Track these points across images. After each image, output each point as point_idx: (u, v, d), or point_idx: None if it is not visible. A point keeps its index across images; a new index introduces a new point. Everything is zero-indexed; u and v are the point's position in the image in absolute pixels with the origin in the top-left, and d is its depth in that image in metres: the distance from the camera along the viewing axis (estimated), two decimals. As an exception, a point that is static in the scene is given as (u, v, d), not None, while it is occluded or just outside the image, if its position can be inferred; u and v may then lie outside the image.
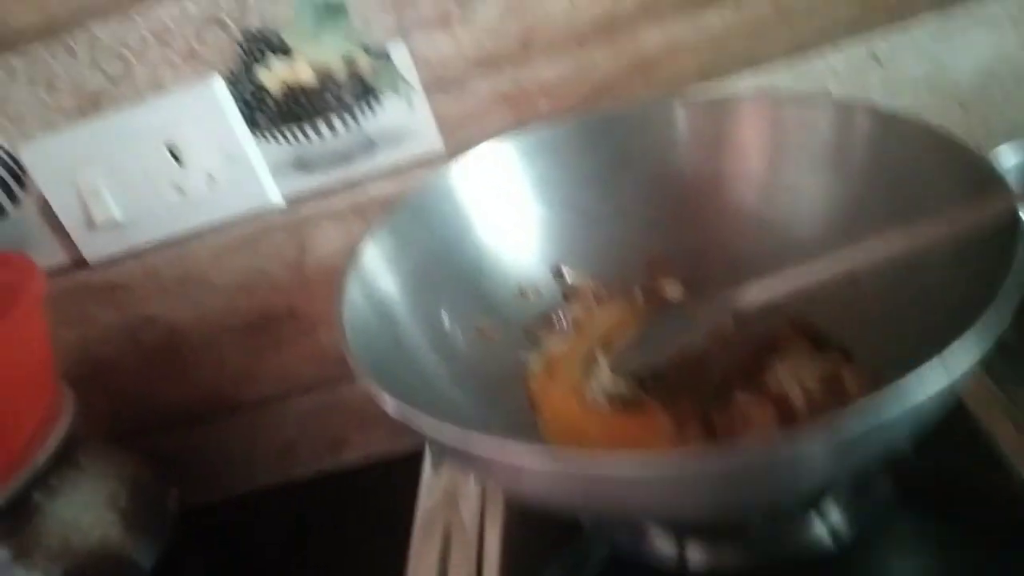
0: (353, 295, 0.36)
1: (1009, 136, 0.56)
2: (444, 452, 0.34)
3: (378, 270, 0.40)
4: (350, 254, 0.39)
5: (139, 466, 0.58)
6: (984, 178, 0.33)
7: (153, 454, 0.60)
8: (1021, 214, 0.30)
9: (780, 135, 0.43)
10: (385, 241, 0.41)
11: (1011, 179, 0.33)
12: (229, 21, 0.52)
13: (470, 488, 0.45)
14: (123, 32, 0.52)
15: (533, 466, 0.27)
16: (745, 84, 0.54)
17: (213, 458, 0.67)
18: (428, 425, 0.29)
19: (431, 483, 0.47)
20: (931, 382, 0.26)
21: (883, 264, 0.35)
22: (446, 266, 0.43)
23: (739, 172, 0.44)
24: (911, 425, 0.28)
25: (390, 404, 0.30)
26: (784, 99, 0.44)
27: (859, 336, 0.38)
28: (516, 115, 0.55)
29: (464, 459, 0.32)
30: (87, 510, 0.52)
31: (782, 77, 0.54)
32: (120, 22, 0.51)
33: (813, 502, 0.36)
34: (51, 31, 0.52)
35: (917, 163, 0.38)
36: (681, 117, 0.46)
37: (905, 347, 0.30)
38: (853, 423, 0.25)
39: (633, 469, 0.26)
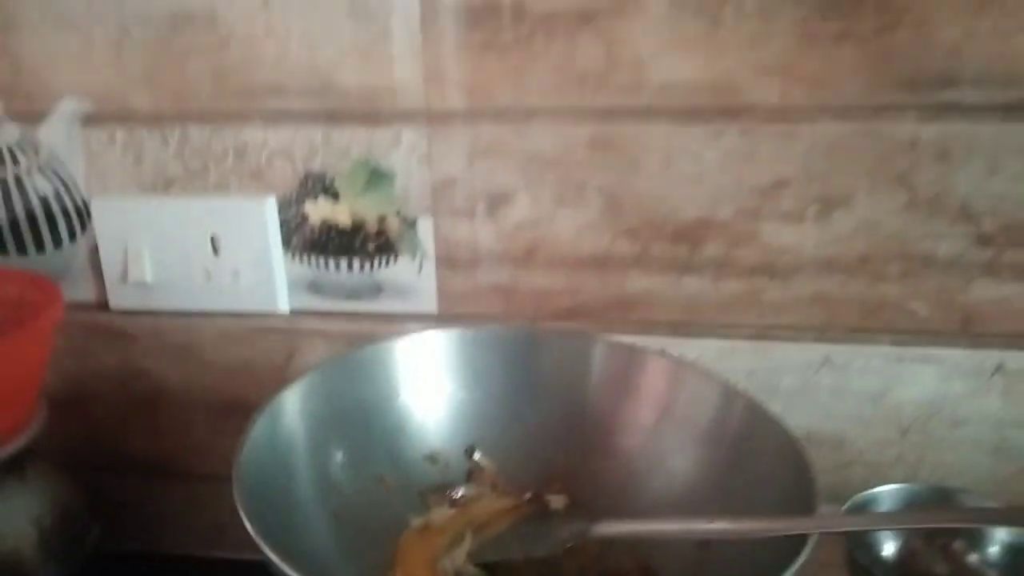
0: (262, 431, 0.45)
1: (935, 471, 0.62)
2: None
3: (295, 412, 0.48)
4: (270, 399, 0.47)
5: (74, 496, 0.65)
6: (808, 495, 0.41)
7: (100, 490, 0.67)
8: (811, 541, 0.37)
9: (673, 396, 0.51)
10: (311, 388, 0.49)
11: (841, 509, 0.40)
12: (298, 159, 0.63)
13: None
14: (211, 140, 0.63)
15: None
16: (710, 349, 0.61)
17: (153, 513, 0.74)
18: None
19: None
20: None
21: (720, 540, 0.41)
22: (370, 420, 0.51)
23: (632, 417, 0.52)
24: None
25: (254, 535, 0.37)
26: (686, 367, 0.52)
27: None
28: (505, 306, 0.64)
29: None
30: (12, 518, 0.59)
31: (743, 355, 0.61)
32: (212, 132, 0.63)
33: None
34: (156, 120, 0.64)
35: (770, 461, 0.45)
36: (599, 352, 0.54)
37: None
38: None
39: None
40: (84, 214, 0.66)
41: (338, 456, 0.49)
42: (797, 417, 0.62)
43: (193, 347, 0.69)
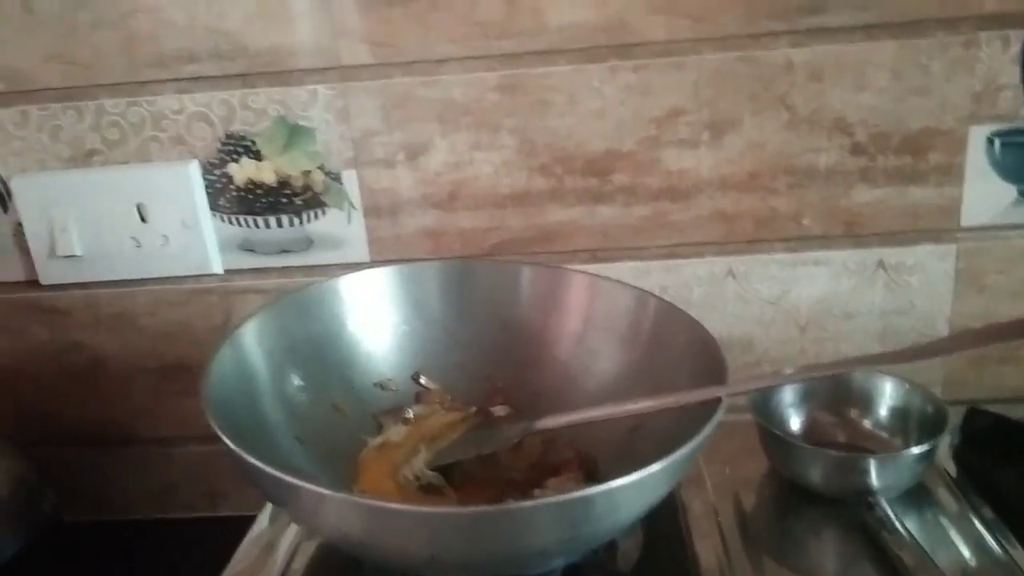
0: (224, 360, 0.53)
1: (834, 357, 0.76)
2: (262, 489, 0.46)
3: (253, 344, 0.57)
4: (231, 328, 0.57)
5: (26, 466, 0.73)
6: (718, 368, 0.52)
7: (48, 463, 0.75)
8: (723, 403, 0.49)
9: (593, 306, 0.63)
10: (266, 323, 0.58)
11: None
12: (217, 122, 0.71)
13: (272, 567, 0.60)
14: (127, 110, 0.71)
15: (316, 498, 0.42)
16: (625, 271, 0.73)
17: (101, 482, 0.82)
18: (246, 461, 0.43)
19: (241, 555, 0.62)
20: (622, 492, 0.43)
21: (648, 423, 0.53)
22: (321, 352, 0.60)
23: (560, 329, 0.63)
24: (610, 517, 0.45)
25: (228, 443, 0.44)
26: (602, 280, 0.64)
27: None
28: (434, 249, 0.74)
29: (275, 495, 0.46)
30: None
31: (656, 274, 0.73)
32: (127, 102, 0.70)
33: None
34: (68, 95, 0.70)
35: (683, 347, 0.57)
36: (526, 276, 0.65)
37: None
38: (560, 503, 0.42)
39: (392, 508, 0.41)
40: (4, 195, 0.73)
41: (295, 380, 0.58)
42: (708, 324, 0.74)
43: (128, 315, 0.77)
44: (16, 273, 0.76)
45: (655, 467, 0.43)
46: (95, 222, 0.73)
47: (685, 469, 0.47)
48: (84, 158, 0.72)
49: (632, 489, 0.43)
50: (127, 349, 0.78)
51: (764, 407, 0.63)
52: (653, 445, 0.53)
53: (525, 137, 0.70)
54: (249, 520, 0.68)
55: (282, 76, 0.70)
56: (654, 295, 0.61)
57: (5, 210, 0.74)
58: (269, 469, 0.43)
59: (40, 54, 0.69)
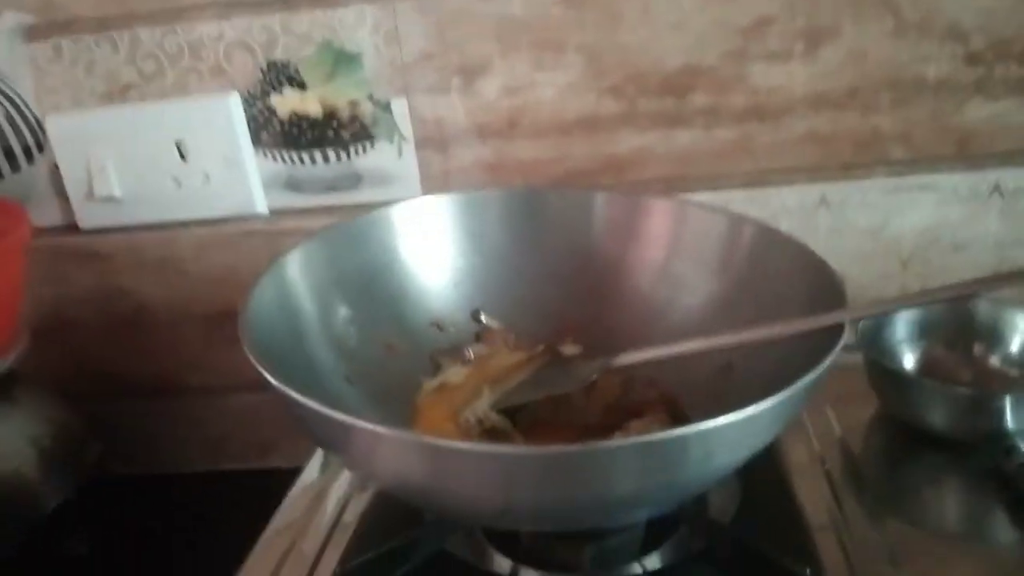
0: (266, 292, 0.50)
1: (939, 299, 0.69)
2: (311, 432, 0.43)
3: (297, 276, 0.53)
4: (274, 258, 0.53)
5: (69, 416, 0.70)
6: (834, 291, 0.47)
7: (95, 415, 0.73)
8: (847, 327, 0.43)
9: (679, 234, 0.58)
10: (312, 254, 0.54)
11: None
12: (258, 50, 0.66)
13: (322, 518, 0.56)
14: (163, 39, 0.67)
15: (373, 439, 0.38)
16: (703, 201, 0.67)
17: (149, 434, 0.80)
18: (293, 400, 0.39)
19: (288, 506, 0.59)
20: (723, 432, 0.37)
21: (743, 363, 0.48)
22: (372, 286, 0.56)
23: (640, 260, 0.58)
24: (706, 463, 0.39)
25: (270, 380, 0.40)
26: (688, 205, 0.58)
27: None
28: (492, 183, 0.69)
29: (326, 437, 0.42)
30: (10, 441, 0.64)
31: (738, 204, 0.67)
32: (163, 31, 0.66)
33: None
34: (102, 25, 0.66)
35: (788, 275, 0.51)
36: (600, 205, 0.60)
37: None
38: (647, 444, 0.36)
39: (456, 448, 0.37)
40: (39, 134, 0.70)
41: (342, 312, 0.55)
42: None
43: (172, 260, 0.74)
44: (54, 217, 0.73)
45: (763, 404, 0.38)
46: (133, 161, 0.70)
47: (797, 409, 0.41)
48: (120, 93, 0.69)
49: (735, 430, 0.38)
50: (173, 296, 0.76)
51: (873, 341, 0.57)
52: (749, 387, 0.47)
53: (593, 54, 0.64)
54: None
55: (326, -5, 0.65)
56: (750, 219, 0.55)
57: (41, 150, 0.71)
58: (319, 407, 0.39)
59: (70, -20, 0.66)
